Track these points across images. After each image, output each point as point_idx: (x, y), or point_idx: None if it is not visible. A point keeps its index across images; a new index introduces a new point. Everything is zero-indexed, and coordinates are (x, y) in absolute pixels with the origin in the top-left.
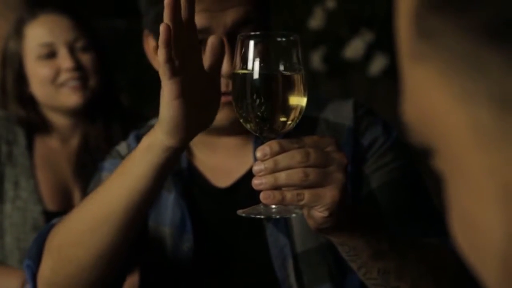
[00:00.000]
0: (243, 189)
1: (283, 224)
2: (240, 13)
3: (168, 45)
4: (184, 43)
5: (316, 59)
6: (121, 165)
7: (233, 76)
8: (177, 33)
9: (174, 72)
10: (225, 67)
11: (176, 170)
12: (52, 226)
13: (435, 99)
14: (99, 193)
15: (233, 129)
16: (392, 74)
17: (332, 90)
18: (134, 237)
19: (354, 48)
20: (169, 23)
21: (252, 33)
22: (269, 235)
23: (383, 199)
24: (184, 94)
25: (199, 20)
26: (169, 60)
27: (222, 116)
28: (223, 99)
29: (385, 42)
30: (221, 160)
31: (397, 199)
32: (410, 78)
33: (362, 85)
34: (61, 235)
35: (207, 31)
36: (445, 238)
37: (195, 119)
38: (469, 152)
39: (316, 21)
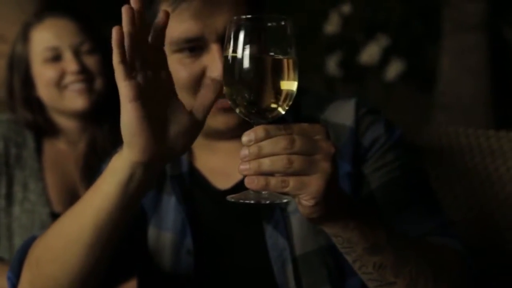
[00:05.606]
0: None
1: (283, 227)
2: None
3: (120, 46)
4: (144, 46)
5: (332, 64)
6: (95, 183)
7: (224, 59)
8: (135, 35)
9: (128, 74)
10: (218, 71)
11: (176, 174)
12: (34, 238)
13: None
14: (73, 210)
15: (231, 134)
16: (408, 78)
17: (348, 95)
18: (111, 254)
19: (370, 53)
20: (127, 27)
21: (244, 17)
22: (269, 237)
23: (382, 199)
24: (141, 98)
25: (190, 28)
26: (123, 61)
27: (218, 122)
28: (219, 105)
29: (401, 47)
30: (221, 163)
31: (396, 199)
32: None
33: (379, 90)
34: (40, 250)
35: (199, 39)
36: (450, 239)
37: (158, 130)
38: None
39: (331, 26)
